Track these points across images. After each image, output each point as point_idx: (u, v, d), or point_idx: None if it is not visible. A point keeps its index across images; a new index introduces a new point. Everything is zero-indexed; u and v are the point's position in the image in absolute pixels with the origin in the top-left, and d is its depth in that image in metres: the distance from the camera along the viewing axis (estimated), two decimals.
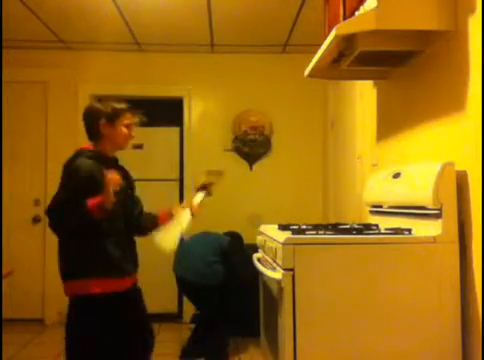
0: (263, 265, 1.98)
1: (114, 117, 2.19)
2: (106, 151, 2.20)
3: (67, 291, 2.10)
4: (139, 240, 2.55)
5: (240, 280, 3.36)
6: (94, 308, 2.03)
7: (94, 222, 1.98)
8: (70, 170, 2.07)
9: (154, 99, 4.57)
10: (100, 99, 2.35)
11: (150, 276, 4.22)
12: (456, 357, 1.68)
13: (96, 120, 2.16)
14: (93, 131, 2.19)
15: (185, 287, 3.35)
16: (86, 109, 2.25)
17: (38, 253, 4.37)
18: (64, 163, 2.13)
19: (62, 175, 2.11)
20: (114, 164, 2.24)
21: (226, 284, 3.28)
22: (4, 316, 3.24)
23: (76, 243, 2.07)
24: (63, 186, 2.07)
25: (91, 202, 1.95)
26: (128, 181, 2.29)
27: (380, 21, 1.73)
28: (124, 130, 2.22)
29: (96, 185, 1.97)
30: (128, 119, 2.25)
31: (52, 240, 3.60)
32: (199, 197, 2.50)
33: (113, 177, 1.97)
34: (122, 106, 2.25)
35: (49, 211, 2.01)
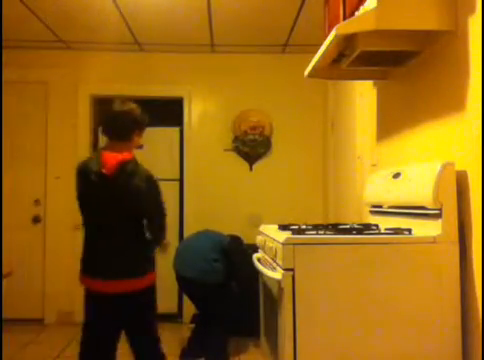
0: (263, 265, 1.98)
1: (142, 129, 2.44)
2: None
3: (142, 284, 2.35)
4: None
5: (240, 279, 3.36)
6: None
7: None
8: (151, 181, 2.32)
9: (154, 99, 4.57)
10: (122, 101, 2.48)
11: None
12: (456, 357, 1.68)
13: (134, 128, 2.37)
14: (125, 134, 2.35)
15: (185, 285, 3.34)
16: (126, 110, 2.38)
17: (38, 253, 4.37)
18: (129, 172, 2.28)
19: (148, 186, 2.31)
20: None
21: (226, 283, 3.28)
22: (4, 316, 3.24)
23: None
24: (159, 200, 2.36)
25: None
26: None
27: (380, 21, 1.73)
28: (140, 141, 2.47)
29: None
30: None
31: (52, 240, 3.74)
32: None
33: None
34: (147, 118, 2.49)
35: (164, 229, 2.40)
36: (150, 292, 2.42)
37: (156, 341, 2.46)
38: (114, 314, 2.36)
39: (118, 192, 2.27)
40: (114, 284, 2.29)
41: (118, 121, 2.34)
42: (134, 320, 2.41)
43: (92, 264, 2.35)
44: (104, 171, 2.25)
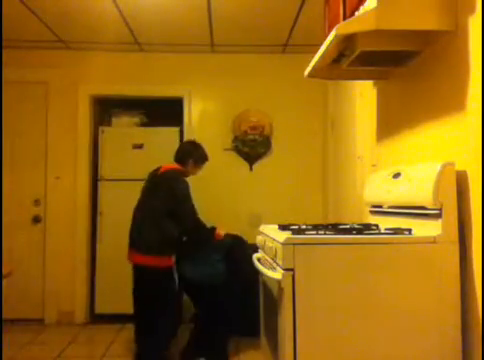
0: (263, 265, 1.98)
1: (199, 162, 3.37)
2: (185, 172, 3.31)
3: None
4: None
5: (243, 277, 3.36)
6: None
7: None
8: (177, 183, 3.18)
9: (154, 99, 4.58)
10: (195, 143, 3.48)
11: None
12: (456, 357, 1.68)
13: (189, 157, 3.31)
14: (183, 160, 3.30)
15: (187, 285, 3.35)
16: (188, 145, 3.46)
17: (38, 253, 4.37)
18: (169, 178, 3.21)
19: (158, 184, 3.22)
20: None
21: (228, 282, 3.28)
22: (4, 316, 3.24)
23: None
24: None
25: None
26: None
27: (380, 21, 1.73)
28: (197, 172, 3.40)
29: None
30: (203, 167, 3.42)
31: (52, 240, 3.76)
32: None
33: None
34: (207, 158, 3.41)
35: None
36: (157, 273, 3.04)
37: (153, 327, 3.01)
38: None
39: None
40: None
41: (181, 152, 3.38)
42: (139, 292, 3.12)
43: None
44: None
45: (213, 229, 3.31)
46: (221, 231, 3.32)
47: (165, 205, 3.09)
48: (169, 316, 3.12)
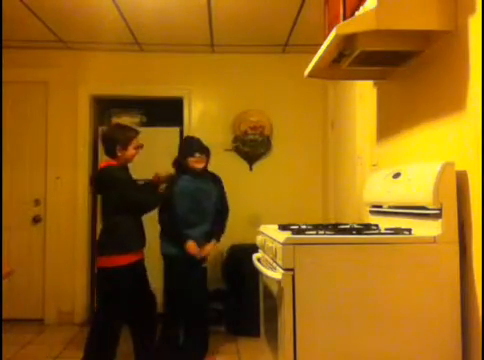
0: (263, 265, 1.98)
1: (127, 143, 2.98)
2: (122, 164, 3.01)
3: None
4: None
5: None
6: None
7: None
8: (110, 179, 2.92)
9: (154, 99, 4.57)
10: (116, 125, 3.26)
11: (150, 276, 4.22)
12: (456, 356, 1.68)
13: (113, 145, 2.96)
14: (111, 152, 2.98)
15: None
16: (105, 135, 3.09)
17: (38, 253, 4.37)
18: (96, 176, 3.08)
19: (97, 184, 3.10)
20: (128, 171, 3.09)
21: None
22: (4, 316, 3.24)
23: None
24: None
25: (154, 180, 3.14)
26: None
27: (380, 21, 1.73)
28: (133, 152, 3.02)
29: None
30: (136, 142, 3.03)
31: (52, 240, 3.76)
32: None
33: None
34: (133, 133, 3.04)
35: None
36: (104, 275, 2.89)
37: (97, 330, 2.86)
38: None
39: None
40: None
41: (104, 146, 3.05)
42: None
43: None
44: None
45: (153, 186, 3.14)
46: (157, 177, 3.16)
47: (107, 203, 2.98)
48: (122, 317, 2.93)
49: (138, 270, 2.98)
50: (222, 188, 3.49)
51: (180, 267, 3.22)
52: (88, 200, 4.45)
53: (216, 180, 3.47)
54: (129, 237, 2.92)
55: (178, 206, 3.24)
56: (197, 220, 3.28)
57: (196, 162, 3.27)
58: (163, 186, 3.19)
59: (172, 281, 3.27)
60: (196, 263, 3.23)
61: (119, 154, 2.97)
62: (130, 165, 3.13)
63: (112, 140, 2.98)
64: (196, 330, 3.21)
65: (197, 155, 3.27)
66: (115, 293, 2.85)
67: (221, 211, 3.42)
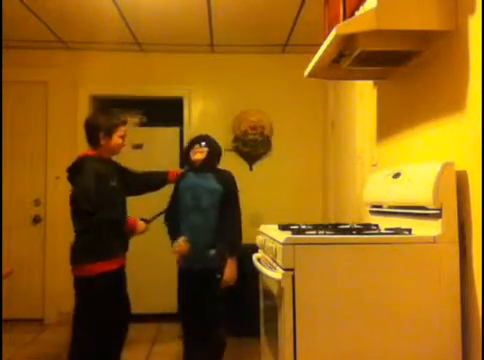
0: (263, 265, 1.98)
1: (111, 131, 2.64)
2: (103, 155, 2.67)
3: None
4: (140, 240, 2.66)
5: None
6: None
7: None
8: (82, 172, 2.59)
9: (154, 99, 4.58)
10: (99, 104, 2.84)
11: (150, 276, 4.22)
12: (456, 356, 1.68)
13: (96, 133, 2.63)
14: (93, 140, 2.66)
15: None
16: (87, 121, 2.71)
17: (38, 253, 4.37)
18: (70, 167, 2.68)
19: (70, 176, 2.73)
20: (110, 163, 2.74)
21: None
22: (4, 316, 3.24)
23: None
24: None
25: (131, 223, 2.62)
26: (119, 173, 2.78)
27: (380, 21, 1.73)
28: (119, 141, 2.69)
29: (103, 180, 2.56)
30: (122, 131, 2.70)
31: (52, 240, 3.73)
32: None
33: (142, 228, 2.65)
34: (118, 120, 2.70)
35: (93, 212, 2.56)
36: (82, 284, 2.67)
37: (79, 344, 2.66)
38: None
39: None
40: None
41: (86, 134, 2.71)
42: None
43: None
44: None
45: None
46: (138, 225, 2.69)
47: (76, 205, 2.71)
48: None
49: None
50: (230, 191, 2.98)
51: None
52: None
53: (224, 178, 3.02)
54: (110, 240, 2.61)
55: (179, 204, 2.95)
56: (197, 221, 2.91)
57: (195, 153, 2.96)
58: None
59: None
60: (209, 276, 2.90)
61: (102, 142, 2.64)
62: (131, 165, 3.01)
63: (94, 126, 2.65)
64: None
65: (196, 146, 2.98)
66: (90, 306, 2.62)
67: (229, 217, 2.92)
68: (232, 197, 2.99)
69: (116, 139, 2.68)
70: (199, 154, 2.96)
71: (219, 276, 2.86)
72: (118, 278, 2.67)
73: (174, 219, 3.00)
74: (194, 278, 2.95)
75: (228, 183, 3.02)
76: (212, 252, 2.89)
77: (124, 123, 2.75)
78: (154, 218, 2.83)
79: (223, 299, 2.92)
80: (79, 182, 2.61)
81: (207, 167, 2.99)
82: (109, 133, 2.64)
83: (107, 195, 2.57)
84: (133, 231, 2.63)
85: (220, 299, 2.90)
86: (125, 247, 2.73)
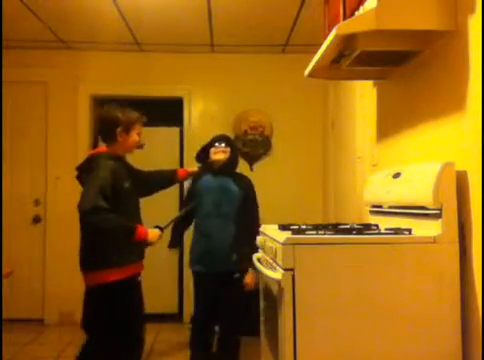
0: (263, 265, 1.98)
1: (130, 126, 2.49)
2: (118, 152, 2.49)
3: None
4: None
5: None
6: None
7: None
8: (96, 170, 2.35)
9: (154, 99, 4.57)
10: (106, 101, 2.60)
11: (150, 276, 4.22)
12: (456, 356, 1.68)
13: (113, 127, 2.44)
14: (109, 135, 2.47)
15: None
16: (104, 114, 2.53)
17: (38, 253, 4.37)
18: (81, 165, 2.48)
19: (81, 174, 2.45)
20: (124, 163, 2.55)
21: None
22: (4, 316, 3.24)
23: None
24: (91, 183, 2.33)
25: (141, 233, 2.35)
26: (132, 173, 2.59)
27: (380, 21, 1.73)
28: (136, 138, 2.54)
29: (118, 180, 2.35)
30: (139, 128, 2.56)
31: (52, 240, 3.70)
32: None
33: (156, 237, 2.42)
34: (137, 116, 2.55)
35: (87, 214, 2.24)
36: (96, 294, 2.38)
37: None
38: None
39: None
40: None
41: (100, 128, 2.57)
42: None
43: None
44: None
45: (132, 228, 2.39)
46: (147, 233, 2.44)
47: None
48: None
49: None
50: (250, 197, 2.91)
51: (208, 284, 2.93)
52: None
53: (244, 182, 2.92)
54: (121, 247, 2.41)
55: (198, 207, 2.87)
56: (216, 225, 2.87)
57: (216, 153, 2.85)
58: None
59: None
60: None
61: (119, 138, 2.46)
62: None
63: (112, 121, 2.46)
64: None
65: (217, 144, 2.87)
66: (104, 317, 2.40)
67: (250, 225, 2.77)
68: (252, 204, 2.94)
69: (134, 136, 2.52)
70: (222, 154, 2.86)
71: (238, 275, 2.86)
72: (125, 288, 2.41)
73: (189, 223, 2.95)
74: (214, 282, 2.92)
75: (249, 189, 2.94)
76: (234, 257, 2.86)
77: (143, 120, 2.60)
78: (169, 224, 2.64)
79: (244, 304, 2.90)
80: (92, 180, 2.32)
81: (228, 170, 2.90)
82: (127, 129, 2.48)
83: (121, 198, 2.36)
84: (144, 240, 2.38)
85: (242, 304, 2.89)
86: (137, 255, 2.51)
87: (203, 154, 2.98)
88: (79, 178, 2.48)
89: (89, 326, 2.41)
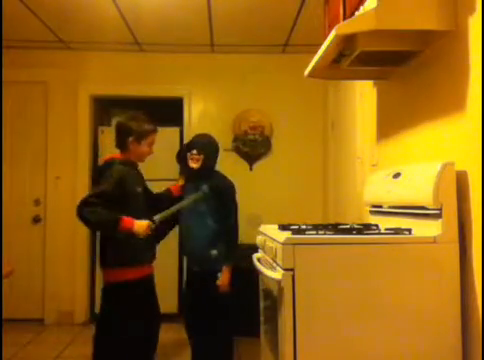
0: (263, 265, 1.98)
1: (141, 137, 2.64)
2: (131, 159, 2.65)
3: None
4: None
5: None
6: None
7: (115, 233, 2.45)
8: (105, 174, 2.52)
9: (154, 99, 4.57)
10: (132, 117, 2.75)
11: None
12: (456, 356, 1.68)
13: (127, 136, 2.61)
14: (122, 143, 2.64)
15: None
16: (120, 123, 2.71)
17: (38, 253, 4.37)
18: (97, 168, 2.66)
19: (95, 178, 2.64)
20: (137, 169, 2.70)
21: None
22: (4, 316, 3.24)
23: None
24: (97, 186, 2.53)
25: (125, 223, 2.41)
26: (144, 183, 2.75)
27: (380, 21, 1.73)
28: (147, 149, 2.68)
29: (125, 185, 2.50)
30: (152, 139, 2.70)
31: (52, 240, 3.69)
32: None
33: (143, 227, 2.45)
34: (150, 128, 2.69)
35: (79, 207, 2.40)
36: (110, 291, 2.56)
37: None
38: None
39: None
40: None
41: (116, 136, 2.69)
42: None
43: None
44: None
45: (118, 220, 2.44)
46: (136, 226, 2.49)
47: None
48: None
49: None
50: (223, 192, 2.94)
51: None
52: None
53: (216, 186, 2.92)
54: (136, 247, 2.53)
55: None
56: (194, 224, 2.94)
57: (190, 159, 2.93)
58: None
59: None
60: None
61: (131, 147, 2.62)
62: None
63: (126, 130, 2.63)
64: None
65: (189, 153, 2.95)
66: (111, 314, 2.54)
67: (223, 225, 2.91)
68: (226, 204, 2.96)
69: (144, 146, 2.66)
70: (194, 162, 2.92)
71: (220, 275, 2.89)
72: (132, 289, 2.51)
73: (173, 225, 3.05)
74: (195, 278, 3.00)
75: (221, 188, 2.96)
76: (214, 252, 2.91)
77: (155, 131, 2.72)
78: (162, 218, 2.64)
79: (225, 296, 2.91)
80: (99, 182, 2.52)
81: (202, 174, 2.96)
82: (139, 139, 2.63)
83: (127, 200, 2.49)
84: (131, 230, 2.43)
85: (222, 296, 2.90)
86: (143, 257, 2.60)
87: (183, 155, 3.05)
88: (94, 182, 2.74)
89: (104, 322, 2.56)
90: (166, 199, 2.94)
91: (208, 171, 2.99)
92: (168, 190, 3.03)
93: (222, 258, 2.89)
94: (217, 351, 2.92)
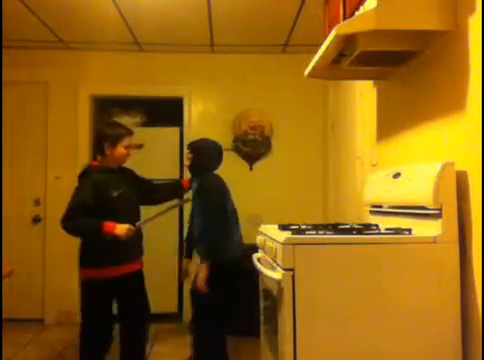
0: (263, 265, 1.98)
1: (116, 141, 2.76)
2: (109, 165, 2.79)
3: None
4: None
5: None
6: None
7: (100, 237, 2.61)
8: (82, 183, 2.76)
9: (154, 99, 4.58)
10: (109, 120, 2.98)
11: (150, 276, 4.22)
12: (456, 356, 1.68)
13: (102, 142, 2.76)
14: (99, 149, 2.81)
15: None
16: (96, 130, 2.89)
17: (38, 253, 4.37)
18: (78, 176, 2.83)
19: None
20: (117, 172, 2.82)
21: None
22: (4, 316, 3.24)
23: None
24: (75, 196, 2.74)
25: (107, 228, 2.59)
26: (131, 182, 2.89)
27: (380, 21, 1.73)
28: (123, 151, 2.80)
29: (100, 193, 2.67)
30: (127, 141, 2.80)
31: (52, 240, 3.69)
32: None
33: (124, 230, 2.62)
34: (124, 131, 2.81)
35: (62, 221, 2.66)
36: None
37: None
38: None
39: None
40: None
41: (93, 144, 3.04)
42: None
43: None
44: None
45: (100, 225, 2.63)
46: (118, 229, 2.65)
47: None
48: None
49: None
50: (201, 191, 2.91)
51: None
52: None
53: (200, 181, 2.94)
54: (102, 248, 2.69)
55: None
56: (193, 224, 3.06)
57: (185, 158, 3.10)
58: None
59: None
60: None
61: (107, 152, 2.77)
62: (131, 165, 2.99)
63: (101, 136, 2.80)
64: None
65: (186, 151, 3.12)
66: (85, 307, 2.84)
67: (197, 220, 2.94)
68: (200, 202, 2.92)
69: (120, 149, 2.78)
70: (186, 161, 3.08)
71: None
72: (103, 287, 2.70)
73: None
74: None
75: (205, 189, 2.92)
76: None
77: (130, 134, 2.83)
78: (146, 222, 2.82)
79: (206, 297, 2.83)
80: (74, 193, 2.78)
81: (194, 173, 3.06)
82: (114, 143, 2.76)
83: (104, 205, 2.67)
84: (113, 234, 2.60)
85: (202, 297, 2.85)
86: (122, 257, 2.75)
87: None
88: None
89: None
90: (170, 190, 3.16)
91: (198, 170, 3.02)
92: (179, 182, 3.25)
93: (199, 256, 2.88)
94: (205, 352, 2.92)
